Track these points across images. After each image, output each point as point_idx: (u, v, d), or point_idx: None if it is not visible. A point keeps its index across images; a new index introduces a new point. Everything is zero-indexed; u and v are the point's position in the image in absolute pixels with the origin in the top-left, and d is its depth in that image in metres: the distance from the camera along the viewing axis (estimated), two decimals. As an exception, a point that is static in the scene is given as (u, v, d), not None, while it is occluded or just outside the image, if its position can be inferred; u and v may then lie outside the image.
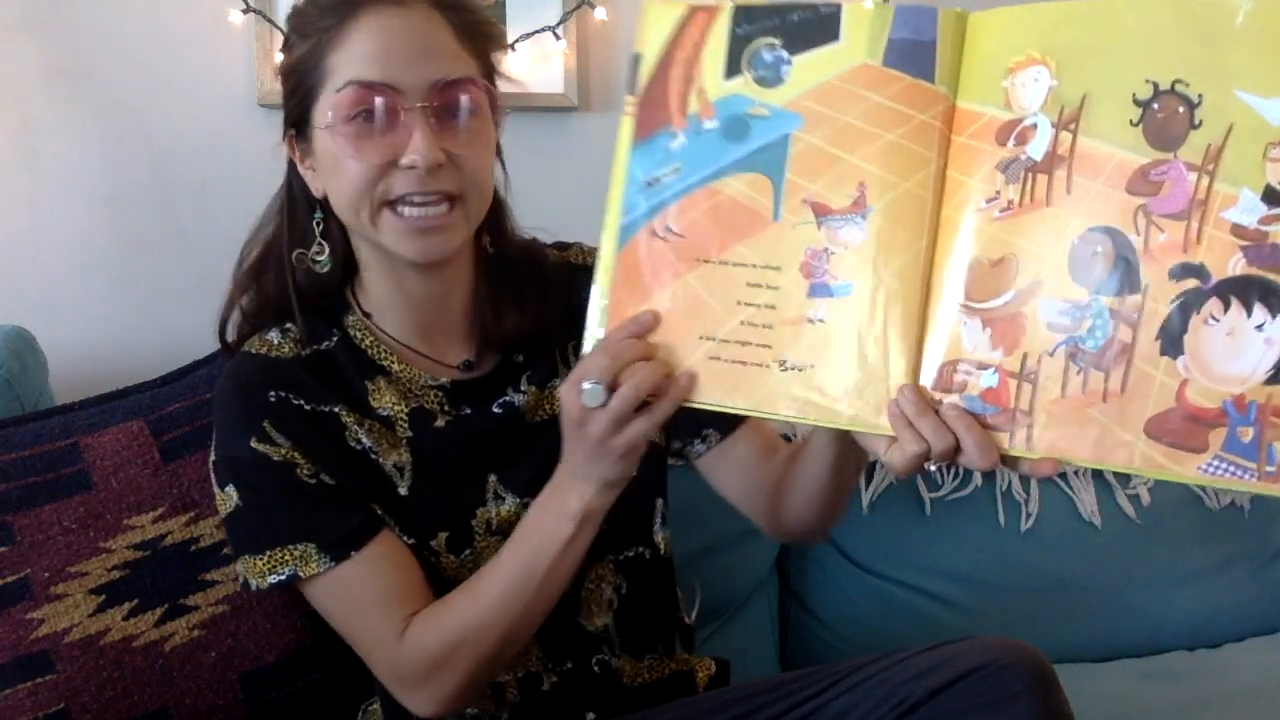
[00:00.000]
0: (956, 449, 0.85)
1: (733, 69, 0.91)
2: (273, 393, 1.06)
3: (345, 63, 1.01)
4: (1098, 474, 1.69)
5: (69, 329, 1.69)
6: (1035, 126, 0.85)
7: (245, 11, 1.67)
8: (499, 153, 1.11)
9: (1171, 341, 0.81)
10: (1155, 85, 0.81)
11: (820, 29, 0.89)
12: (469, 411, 1.12)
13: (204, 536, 1.25)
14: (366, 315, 1.12)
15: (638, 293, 0.92)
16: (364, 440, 1.08)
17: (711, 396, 0.91)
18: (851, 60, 0.88)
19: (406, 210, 1.02)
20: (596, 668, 1.15)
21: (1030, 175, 0.85)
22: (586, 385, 0.90)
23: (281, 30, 1.64)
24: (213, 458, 1.09)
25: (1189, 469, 0.81)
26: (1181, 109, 0.81)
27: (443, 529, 1.09)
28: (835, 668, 1.02)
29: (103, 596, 1.21)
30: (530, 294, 1.14)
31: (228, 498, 1.07)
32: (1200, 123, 0.80)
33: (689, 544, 1.40)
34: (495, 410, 1.12)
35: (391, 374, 1.10)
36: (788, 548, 1.69)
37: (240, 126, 1.71)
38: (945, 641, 0.98)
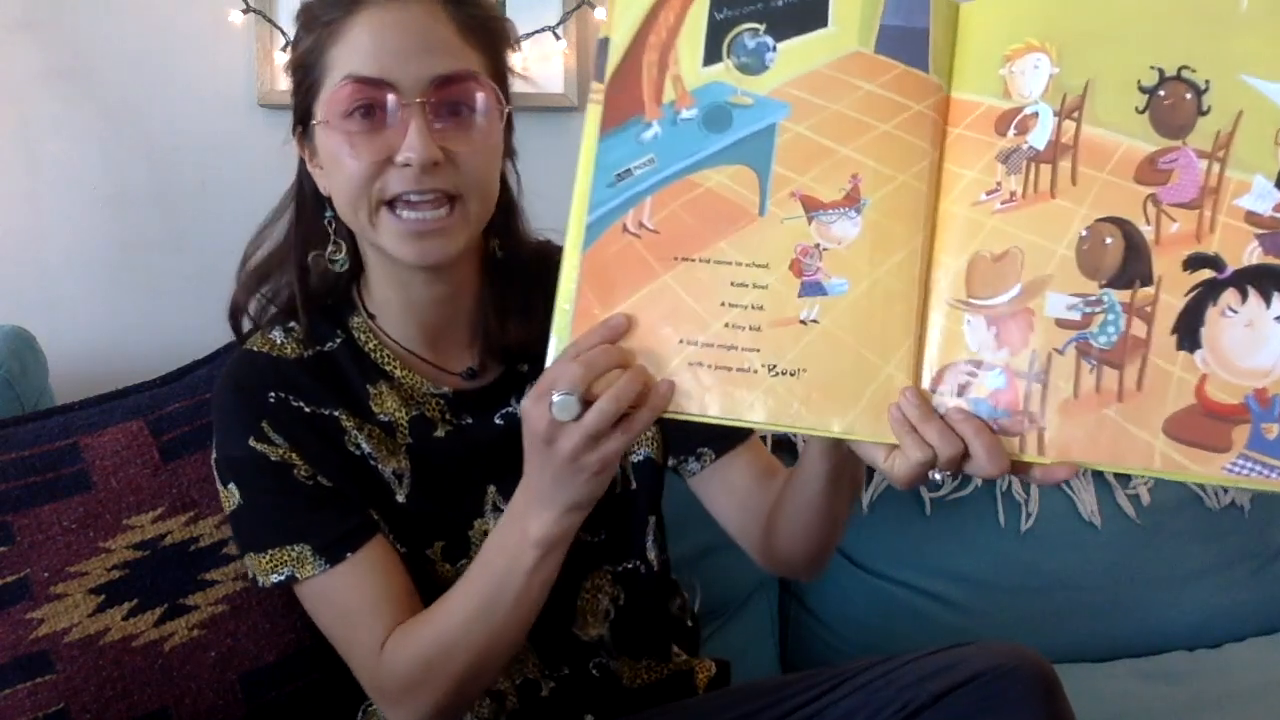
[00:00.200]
0: (964, 456, 0.81)
1: (712, 55, 0.85)
2: (272, 394, 1.05)
3: (344, 57, 0.98)
4: (1098, 474, 1.68)
5: (69, 329, 1.68)
6: (1036, 115, 0.82)
7: (245, 11, 1.66)
8: (511, 153, 1.08)
9: (1188, 335, 0.78)
10: (1161, 71, 0.80)
11: (807, 14, 0.85)
12: (470, 421, 1.10)
13: (203, 536, 1.24)
14: (371, 316, 1.10)
15: (607, 294, 0.86)
16: (363, 446, 1.07)
17: (693, 406, 0.84)
18: (843, 47, 0.84)
19: (404, 212, 0.99)
20: (595, 671, 1.14)
21: (1033, 166, 0.82)
22: (556, 397, 0.83)
23: (282, 30, 1.65)
24: (214, 456, 1.08)
25: (1213, 469, 0.78)
26: (1189, 95, 0.79)
27: (439, 538, 1.08)
28: (837, 670, 1.01)
29: (102, 596, 1.20)
30: (537, 301, 1.08)
31: (230, 495, 1.06)
32: (1208, 109, 0.79)
33: (689, 544, 1.40)
34: (497, 421, 1.11)
35: (394, 379, 1.09)
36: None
37: (240, 126, 1.70)
38: (950, 645, 0.98)
